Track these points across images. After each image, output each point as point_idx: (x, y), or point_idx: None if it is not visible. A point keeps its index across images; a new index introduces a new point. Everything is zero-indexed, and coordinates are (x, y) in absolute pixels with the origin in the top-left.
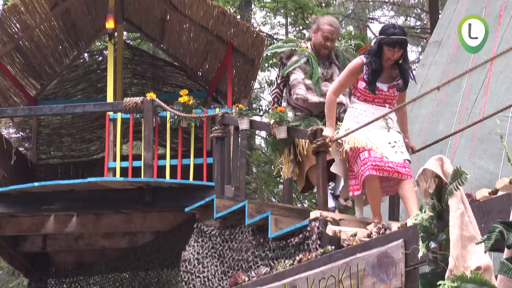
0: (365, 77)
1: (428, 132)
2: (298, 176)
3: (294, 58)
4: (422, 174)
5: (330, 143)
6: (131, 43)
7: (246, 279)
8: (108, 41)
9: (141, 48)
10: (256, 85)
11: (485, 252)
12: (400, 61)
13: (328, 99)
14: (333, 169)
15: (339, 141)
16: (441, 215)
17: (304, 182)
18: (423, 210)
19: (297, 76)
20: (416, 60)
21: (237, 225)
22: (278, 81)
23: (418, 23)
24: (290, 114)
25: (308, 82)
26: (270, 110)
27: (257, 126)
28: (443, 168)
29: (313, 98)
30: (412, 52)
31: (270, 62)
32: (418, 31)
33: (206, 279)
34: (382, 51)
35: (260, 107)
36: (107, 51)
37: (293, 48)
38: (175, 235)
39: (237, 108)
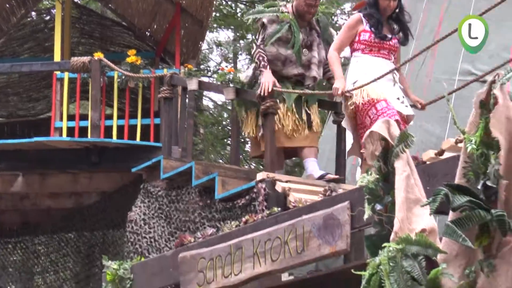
0: (369, 27)
1: None
2: (256, 142)
3: (276, 26)
4: (369, 137)
5: (340, 95)
6: (79, 2)
7: (192, 240)
8: (56, 0)
9: (89, 8)
10: (205, 46)
11: (430, 214)
12: (397, 11)
13: (331, 56)
14: (344, 123)
15: (348, 94)
16: (387, 178)
17: (260, 152)
18: (369, 173)
19: (274, 49)
20: None
21: (184, 186)
22: (258, 43)
23: None
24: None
25: (287, 52)
26: (219, 71)
27: (206, 87)
28: (389, 131)
29: (293, 70)
30: None
31: (220, 23)
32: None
33: (152, 240)
34: (378, 2)
35: (208, 68)
36: (54, 10)
37: (276, 14)
38: (121, 195)
39: (185, 69)
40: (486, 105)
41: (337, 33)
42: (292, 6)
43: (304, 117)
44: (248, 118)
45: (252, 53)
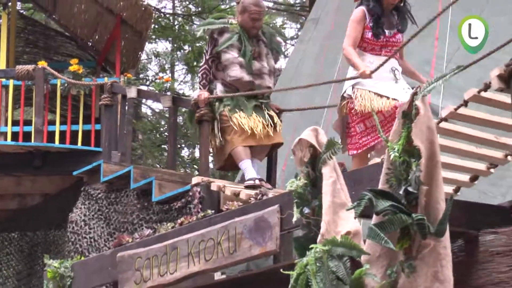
0: (370, 24)
1: (306, 105)
2: (219, 152)
3: (227, 35)
4: (298, 144)
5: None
6: (24, 13)
7: (130, 240)
8: (2, 11)
9: (33, 18)
10: (144, 56)
11: (355, 218)
12: (401, 5)
13: (346, 52)
14: (334, 125)
15: (346, 95)
16: (314, 183)
17: (223, 162)
18: (298, 178)
19: (230, 55)
20: (295, 36)
21: (122, 189)
22: (207, 57)
23: (298, 1)
24: (219, 86)
25: (241, 59)
26: (157, 80)
27: (144, 95)
28: (317, 138)
29: (246, 77)
30: (291, 29)
31: (158, 34)
32: (297, 9)
33: (92, 240)
34: None
35: (147, 77)
36: (0, 20)
37: (225, 25)
38: (63, 197)
39: (125, 78)
40: (409, 115)
41: (283, 41)
42: (238, 22)
43: (269, 118)
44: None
45: (200, 65)
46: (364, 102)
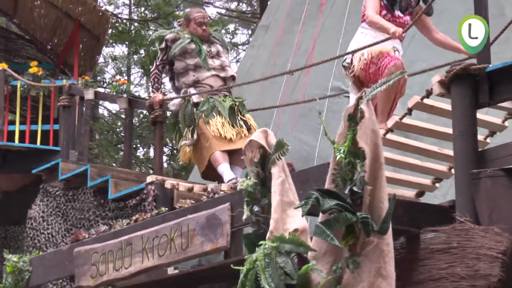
0: (384, 1)
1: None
2: (199, 159)
3: (178, 41)
4: (248, 145)
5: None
6: None
7: (87, 236)
8: None
9: None
10: (101, 60)
11: (302, 216)
12: None
13: (371, 18)
14: (350, 90)
15: (345, 64)
16: (264, 182)
17: (205, 167)
18: (248, 177)
19: (181, 63)
20: (247, 42)
21: (80, 186)
22: (157, 63)
23: (249, 8)
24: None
25: (195, 61)
26: (113, 83)
27: (101, 97)
28: (267, 139)
29: (205, 73)
30: (243, 35)
31: (115, 38)
32: (249, 16)
33: (50, 236)
34: None
35: (104, 80)
36: None
37: (177, 33)
38: (22, 194)
39: (83, 80)
40: (354, 119)
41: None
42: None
43: (242, 123)
44: (185, 134)
45: (150, 71)
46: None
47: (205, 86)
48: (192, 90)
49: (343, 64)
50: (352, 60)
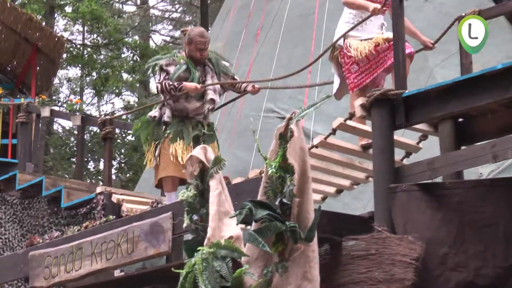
0: None
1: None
2: (155, 173)
3: (174, 67)
4: (189, 160)
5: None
6: None
7: (41, 241)
8: None
9: None
10: (56, 80)
11: (237, 224)
12: None
13: None
14: (333, 70)
15: (337, 46)
16: (203, 194)
17: (158, 182)
18: (189, 189)
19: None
20: None
21: (35, 196)
22: (161, 80)
23: None
24: (167, 112)
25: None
26: (68, 102)
27: (56, 115)
28: (206, 155)
29: (195, 104)
30: None
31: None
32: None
33: (7, 240)
34: None
35: (59, 99)
36: None
37: (172, 58)
38: None
39: (39, 99)
40: (284, 137)
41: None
42: (185, 51)
43: None
44: (149, 149)
45: (157, 89)
46: (358, 47)
47: (182, 111)
48: (167, 110)
49: (335, 45)
50: (344, 45)
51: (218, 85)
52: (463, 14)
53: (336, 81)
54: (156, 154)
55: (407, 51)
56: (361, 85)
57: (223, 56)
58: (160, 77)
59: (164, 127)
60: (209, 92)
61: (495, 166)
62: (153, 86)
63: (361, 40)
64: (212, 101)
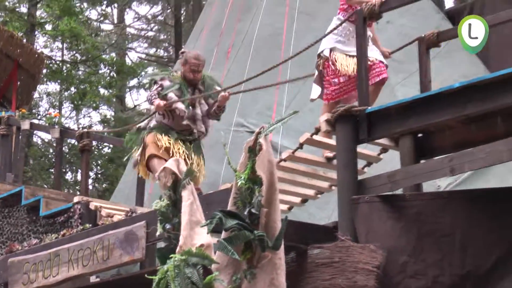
0: None
1: None
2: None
3: (168, 82)
4: (162, 171)
5: None
6: None
7: (20, 248)
8: None
9: None
10: (36, 95)
11: (207, 233)
12: None
13: None
14: (315, 80)
15: (322, 55)
16: (175, 204)
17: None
18: (162, 199)
19: (173, 95)
20: None
21: (15, 205)
22: (151, 92)
23: (166, 53)
24: (157, 116)
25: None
26: (47, 115)
27: (36, 127)
28: (179, 167)
29: (183, 122)
30: None
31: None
32: (165, 60)
33: None
34: None
35: (39, 112)
36: None
37: (168, 75)
38: None
39: (20, 112)
40: (253, 150)
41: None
42: (181, 72)
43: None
44: (141, 161)
45: (147, 97)
46: (342, 63)
47: (174, 124)
48: (156, 115)
49: (320, 54)
50: (330, 57)
51: (205, 110)
52: (423, 35)
53: (316, 88)
54: (139, 151)
55: (383, 75)
56: (336, 99)
57: (217, 81)
58: (152, 88)
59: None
60: (198, 123)
61: (452, 179)
62: (130, 100)
63: (347, 56)
64: (201, 133)
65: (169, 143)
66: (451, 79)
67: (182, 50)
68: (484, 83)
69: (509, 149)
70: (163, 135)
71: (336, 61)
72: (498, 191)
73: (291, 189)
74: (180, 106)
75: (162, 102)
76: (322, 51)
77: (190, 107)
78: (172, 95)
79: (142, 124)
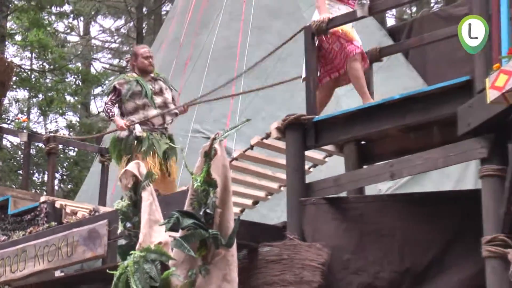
0: None
1: None
2: None
3: (126, 86)
4: (124, 174)
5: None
6: None
7: None
8: None
9: None
10: (6, 101)
11: (165, 231)
12: None
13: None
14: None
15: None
16: (136, 204)
17: None
18: (123, 199)
19: (131, 103)
20: None
21: None
22: (107, 101)
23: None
24: (138, 127)
25: (143, 101)
26: (16, 120)
27: (5, 132)
28: (139, 170)
29: (153, 112)
30: None
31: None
32: (128, 70)
33: None
34: None
35: (8, 117)
36: None
37: (123, 78)
38: None
39: None
40: (209, 155)
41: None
42: (135, 70)
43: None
44: (121, 164)
45: (104, 109)
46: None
47: (148, 124)
48: (137, 125)
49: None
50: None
51: (172, 95)
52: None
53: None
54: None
55: (358, 50)
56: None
57: (170, 84)
58: (108, 97)
59: (135, 142)
60: (170, 106)
61: (392, 183)
62: (94, 107)
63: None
64: (176, 114)
65: (154, 167)
66: (392, 91)
67: (126, 56)
68: (422, 95)
69: (444, 156)
70: (151, 154)
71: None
72: (434, 195)
73: (243, 190)
74: (138, 128)
75: (122, 123)
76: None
77: (156, 96)
78: (132, 104)
79: (125, 133)
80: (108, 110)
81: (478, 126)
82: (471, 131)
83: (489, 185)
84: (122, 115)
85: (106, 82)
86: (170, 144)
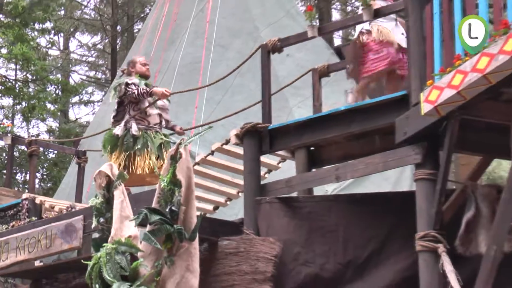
0: None
1: None
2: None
3: (136, 80)
4: (98, 174)
5: None
6: None
7: None
8: None
9: None
10: None
11: (135, 226)
12: None
13: None
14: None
15: (364, 30)
16: (108, 201)
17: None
18: (97, 197)
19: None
20: (100, 100)
21: None
22: (131, 86)
23: (103, 76)
24: (134, 127)
25: (149, 99)
26: (1, 125)
27: None
28: (112, 170)
29: (153, 110)
30: (98, 95)
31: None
32: (103, 81)
33: None
34: None
35: None
36: None
37: (131, 79)
38: None
39: None
40: (175, 158)
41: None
42: (133, 76)
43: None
44: (112, 159)
45: (131, 93)
46: (383, 31)
47: (144, 120)
48: (133, 124)
49: (361, 30)
50: (371, 28)
51: (167, 103)
52: (316, 67)
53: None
54: (125, 163)
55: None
56: (374, 71)
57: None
58: (129, 89)
59: (131, 140)
60: (167, 112)
61: (337, 185)
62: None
63: (385, 28)
64: (168, 121)
65: (148, 164)
66: (338, 103)
67: (121, 68)
68: (365, 107)
69: (384, 161)
70: (145, 149)
71: (377, 31)
72: (374, 196)
73: (205, 195)
74: (134, 127)
75: (163, 89)
76: (362, 28)
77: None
78: (146, 103)
79: (119, 132)
80: (141, 89)
81: (413, 135)
82: (407, 139)
83: (422, 187)
84: (134, 111)
85: (83, 92)
86: (165, 139)
